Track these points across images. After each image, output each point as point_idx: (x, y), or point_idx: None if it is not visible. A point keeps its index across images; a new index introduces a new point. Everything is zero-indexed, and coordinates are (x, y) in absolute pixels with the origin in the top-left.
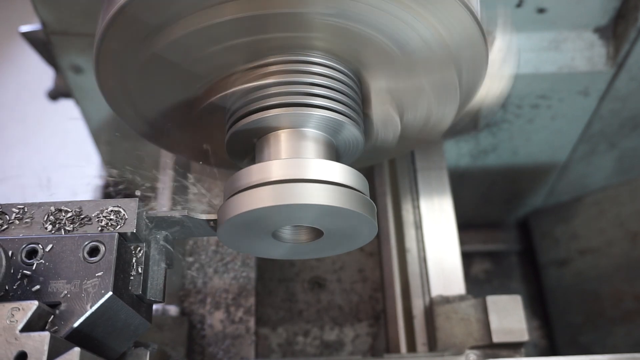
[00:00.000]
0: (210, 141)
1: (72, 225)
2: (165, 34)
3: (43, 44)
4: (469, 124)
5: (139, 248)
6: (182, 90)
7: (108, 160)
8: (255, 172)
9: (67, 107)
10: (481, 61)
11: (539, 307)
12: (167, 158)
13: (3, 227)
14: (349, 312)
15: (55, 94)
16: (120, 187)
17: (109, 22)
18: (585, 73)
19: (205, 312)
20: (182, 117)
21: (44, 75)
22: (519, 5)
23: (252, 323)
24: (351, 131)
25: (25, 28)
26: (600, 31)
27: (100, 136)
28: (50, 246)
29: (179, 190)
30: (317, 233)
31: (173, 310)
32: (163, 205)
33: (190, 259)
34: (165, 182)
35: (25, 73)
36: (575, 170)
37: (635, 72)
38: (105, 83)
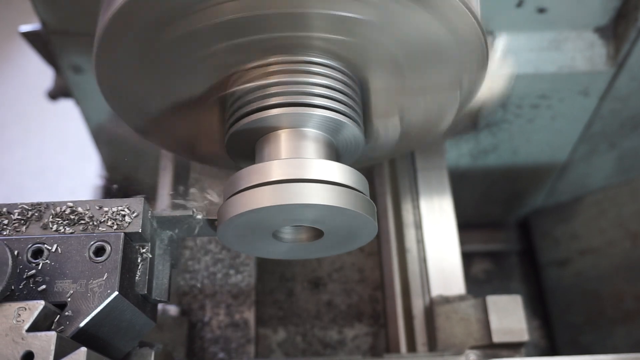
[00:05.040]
0: (209, 140)
1: (77, 225)
2: (164, 34)
3: (43, 44)
4: (469, 123)
5: (144, 248)
6: (182, 89)
7: (108, 160)
8: (255, 172)
9: (67, 107)
10: (481, 61)
11: (539, 307)
12: (167, 157)
13: (8, 227)
14: (349, 312)
15: (55, 94)
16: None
17: (109, 21)
18: (586, 73)
19: (205, 312)
20: (182, 115)
21: (44, 75)
22: (519, 5)
23: (252, 323)
24: (351, 131)
25: (25, 28)
26: (600, 31)
27: (100, 136)
28: (55, 246)
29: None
30: (317, 233)
31: (173, 310)
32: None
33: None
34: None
35: (25, 73)
36: (576, 170)
37: (636, 72)
38: (105, 82)
